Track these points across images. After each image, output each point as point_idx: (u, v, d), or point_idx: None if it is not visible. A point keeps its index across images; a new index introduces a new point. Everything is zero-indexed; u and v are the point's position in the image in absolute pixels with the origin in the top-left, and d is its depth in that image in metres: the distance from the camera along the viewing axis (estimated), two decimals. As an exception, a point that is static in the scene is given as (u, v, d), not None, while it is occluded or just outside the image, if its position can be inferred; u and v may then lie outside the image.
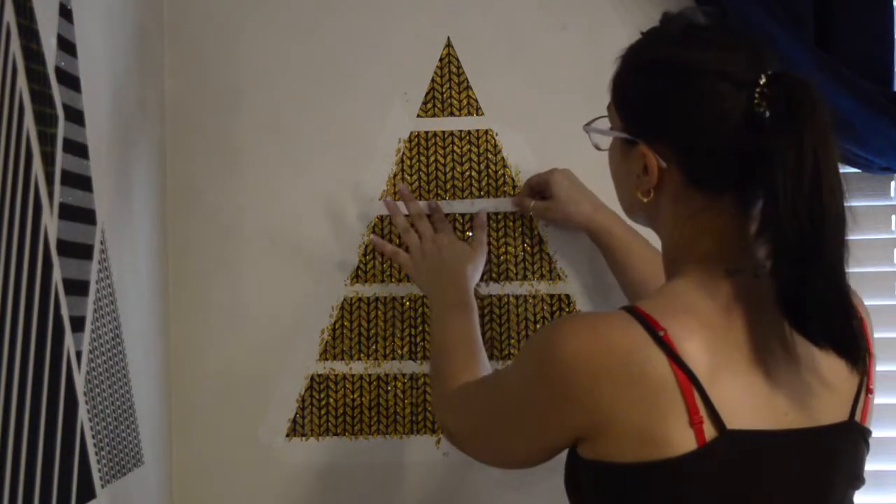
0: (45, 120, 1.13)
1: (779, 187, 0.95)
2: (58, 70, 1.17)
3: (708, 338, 0.99)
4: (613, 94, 1.12)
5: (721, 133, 1.01)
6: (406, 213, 1.55)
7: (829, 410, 1.04)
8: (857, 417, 1.07)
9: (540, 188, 1.54)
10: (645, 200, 1.08)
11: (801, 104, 0.97)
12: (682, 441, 0.95)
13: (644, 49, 1.10)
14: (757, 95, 0.98)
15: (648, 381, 0.95)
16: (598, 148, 1.19)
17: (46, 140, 1.13)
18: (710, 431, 0.96)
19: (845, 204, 0.97)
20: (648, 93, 1.07)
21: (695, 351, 0.97)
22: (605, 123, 1.15)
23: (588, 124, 1.19)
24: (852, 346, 0.99)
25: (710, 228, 1.05)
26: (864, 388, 1.07)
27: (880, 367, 1.49)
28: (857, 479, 1.09)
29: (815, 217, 0.95)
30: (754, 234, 1.01)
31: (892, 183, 1.60)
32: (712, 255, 1.04)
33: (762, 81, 0.99)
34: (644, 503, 0.99)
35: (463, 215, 1.58)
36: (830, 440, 1.04)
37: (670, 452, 0.95)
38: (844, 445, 1.06)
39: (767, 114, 0.98)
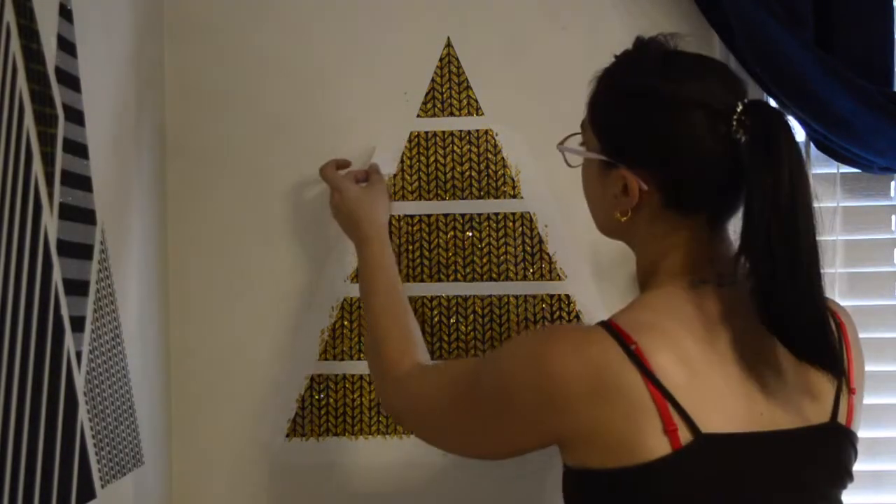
0: (45, 120, 1.13)
1: (756, 211, 1.01)
2: (58, 70, 1.17)
3: (680, 348, 1.02)
4: (591, 115, 1.16)
5: (702, 160, 1.06)
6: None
7: (808, 412, 1.07)
8: (841, 419, 1.09)
9: None
10: (623, 220, 1.11)
11: (777, 132, 1.02)
12: (657, 447, 0.98)
13: (623, 76, 1.13)
14: (735, 123, 1.04)
15: (623, 394, 0.99)
16: (569, 165, 1.24)
17: (46, 140, 1.13)
18: (685, 437, 0.99)
19: (818, 226, 1.03)
20: (630, 121, 1.11)
21: (665, 363, 1.00)
22: (578, 139, 1.19)
23: (562, 143, 1.23)
24: (832, 360, 1.03)
25: (681, 245, 1.10)
26: (843, 389, 1.09)
27: (881, 367, 1.51)
28: (840, 479, 1.10)
29: (790, 239, 1.00)
30: (735, 255, 1.05)
31: (892, 183, 1.59)
32: (681, 269, 1.09)
33: (739, 109, 1.04)
34: None
35: (462, 215, 1.58)
36: (809, 441, 1.06)
37: (646, 457, 0.98)
38: (824, 446, 1.08)
39: (743, 140, 1.03)
